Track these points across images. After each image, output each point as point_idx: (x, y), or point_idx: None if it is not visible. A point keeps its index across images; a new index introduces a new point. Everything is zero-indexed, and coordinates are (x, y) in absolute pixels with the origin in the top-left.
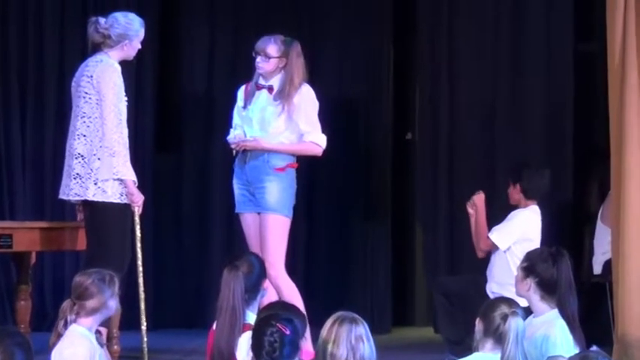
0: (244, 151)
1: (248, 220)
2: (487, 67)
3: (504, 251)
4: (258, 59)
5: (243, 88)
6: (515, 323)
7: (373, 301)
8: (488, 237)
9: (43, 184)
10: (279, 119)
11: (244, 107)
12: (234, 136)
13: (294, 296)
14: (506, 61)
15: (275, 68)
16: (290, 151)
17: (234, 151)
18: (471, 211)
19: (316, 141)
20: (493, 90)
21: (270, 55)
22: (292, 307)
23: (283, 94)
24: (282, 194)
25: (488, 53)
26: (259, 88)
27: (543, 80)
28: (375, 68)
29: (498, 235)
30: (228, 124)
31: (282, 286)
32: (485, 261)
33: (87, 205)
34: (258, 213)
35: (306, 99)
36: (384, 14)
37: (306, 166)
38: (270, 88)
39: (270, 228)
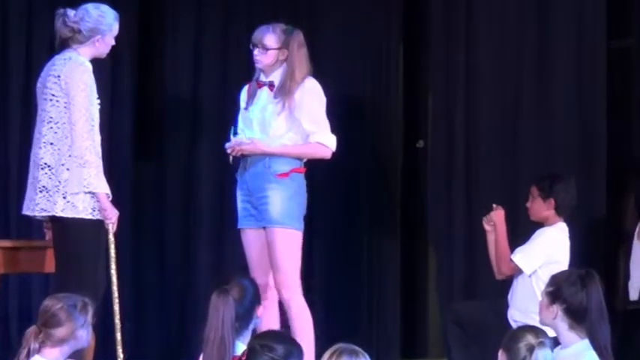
0: (244, 156)
1: (249, 237)
2: (509, 67)
3: (529, 275)
4: (256, 52)
5: (246, 88)
6: (542, 355)
7: (379, 330)
8: (511, 259)
9: (7, 198)
10: (279, 119)
11: (246, 108)
12: (231, 140)
13: (305, 325)
14: (531, 60)
15: (275, 61)
16: (293, 154)
17: (230, 158)
18: (487, 228)
19: (322, 141)
20: (516, 93)
21: (268, 46)
22: (280, 337)
23: (284, 91)
24: (288, 204)
25: (511, 51)
26: (260, 85)
27: (572, 81)
28: (383, 67)
29: (523, 257)
30: (215, 128)
31: (294, 311)
32: (508, 284)
33: (55, 221)
34: (264, 228)
35: (310, 94)
36: (392, 7)
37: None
38: (271, 85)
39: (279, 244)
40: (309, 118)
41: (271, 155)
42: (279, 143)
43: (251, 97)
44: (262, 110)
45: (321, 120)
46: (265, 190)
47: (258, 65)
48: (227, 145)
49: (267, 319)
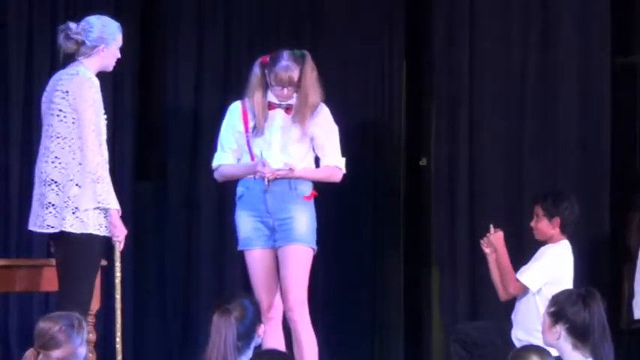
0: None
1: (257, 257)
2: (514, 84)
3: (534, 293)
4: (285, 91)
5: (239, 107)
6: None
7: (382, 352)
8: (516, 279)
9: (8, 216)
10: (300, 143)
11: (256, 133)
12: (260, 163)
13: (313, 347)
14: (535, 77)
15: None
16: (315, 177)
17: (266, 180)
18: (487, 250)
19: (339, 165)
20: (519, 109)
21: (295, 81)
22: (280, 356)
23: (300, 115)
24: (312, 224)
25: (515, 69)
26: (273, 107)
27: (577, 98)
28: (385, 86)
29: (528, 275)
30: (216, 147)
31: (303, 332)
32: (512, 304)
33: (63, 237)
34: (274, 248)
35: (326, 119)
36: (394, 26)
37: None
38: (288, 108)
39: (300, 261)
40: (327, 141)
41: (296, 178)
42: (301, 166)
43: (262, 119)
44: (283, 133)
45: (337, 144)
46: (290, 210)
47: (288, 101)
48: (266, 169)
49: (272, 340)
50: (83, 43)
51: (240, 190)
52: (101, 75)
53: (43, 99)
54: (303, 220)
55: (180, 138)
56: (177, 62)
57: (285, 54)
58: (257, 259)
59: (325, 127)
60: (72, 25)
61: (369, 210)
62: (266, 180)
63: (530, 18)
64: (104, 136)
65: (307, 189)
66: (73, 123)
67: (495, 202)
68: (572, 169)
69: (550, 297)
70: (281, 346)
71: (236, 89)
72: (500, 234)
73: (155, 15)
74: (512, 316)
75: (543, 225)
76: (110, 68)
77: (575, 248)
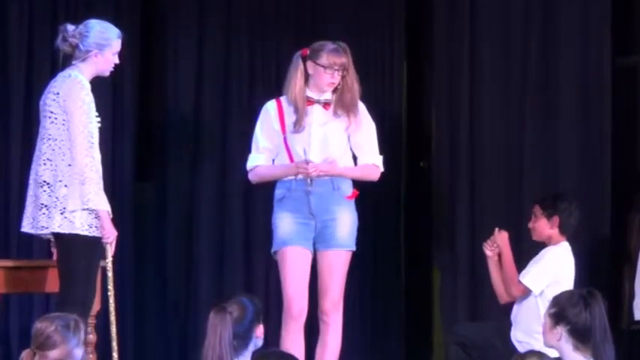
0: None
1: (298, 252)
2: (514, 86)
3: (536, 296)
4: (336, 75)
5: (275, 106)
6: None
7: (383, 353)
8: (519, 281)
9: (8, 217)
10: (341, 137)
11: (296, 129)
12: (304, 160)
13: (334, 354)
14: (536, 78)
15: None
16: (356, 176)
17: (309, 179)
18: (489, 253)
19: (378, 163)
20: (520, 111)
21: (345, 66)
22: (283, 357)
23: (345, 108)
24: (353, 225)
25: (516, 69)
26: (312, 102)
27: (577, 98)
28: (386, 87)
29: (531, 277)
30: (217, 149)
31: (336, 334)
32: (511, 305)
33: (57, 238)
34: (312, 251)
35: (366, 115)
36: (395, 26)
37: None
38: (326, 104)
39: (343, 266)
40: (366, 138)
41: (339, 177)
42: (341, 164)
43: (301, 115)
44: (324, 129)
45: (376, 141)
46: (334, 212)
47: (330, 88)
48: (310, 166)
49: (296, 348)
50: (77, 47)
51: (280, 192)
52: (100, 76)
53: (40, 101)
54: (346, 222)
55: (181, 138)
56: (177, 62)
57: (329, 42)
58: (297, 255)
59: (364, 124)
60: (69, 27)
61: (369, 211)
62: (309, 179)
63: (531, 18)
64: (96, 139)
65: (349, 188)
66: (64, 124)
67: (495, 203)
68: (572, 169)
69: (551, 298)
70: (300, 354)
71: (237, 90)
72: (506, 234)
73: (155, 15)
74: (512, 317)
75: (541, 224)
76: (106, 74)
77: (575, 249)
